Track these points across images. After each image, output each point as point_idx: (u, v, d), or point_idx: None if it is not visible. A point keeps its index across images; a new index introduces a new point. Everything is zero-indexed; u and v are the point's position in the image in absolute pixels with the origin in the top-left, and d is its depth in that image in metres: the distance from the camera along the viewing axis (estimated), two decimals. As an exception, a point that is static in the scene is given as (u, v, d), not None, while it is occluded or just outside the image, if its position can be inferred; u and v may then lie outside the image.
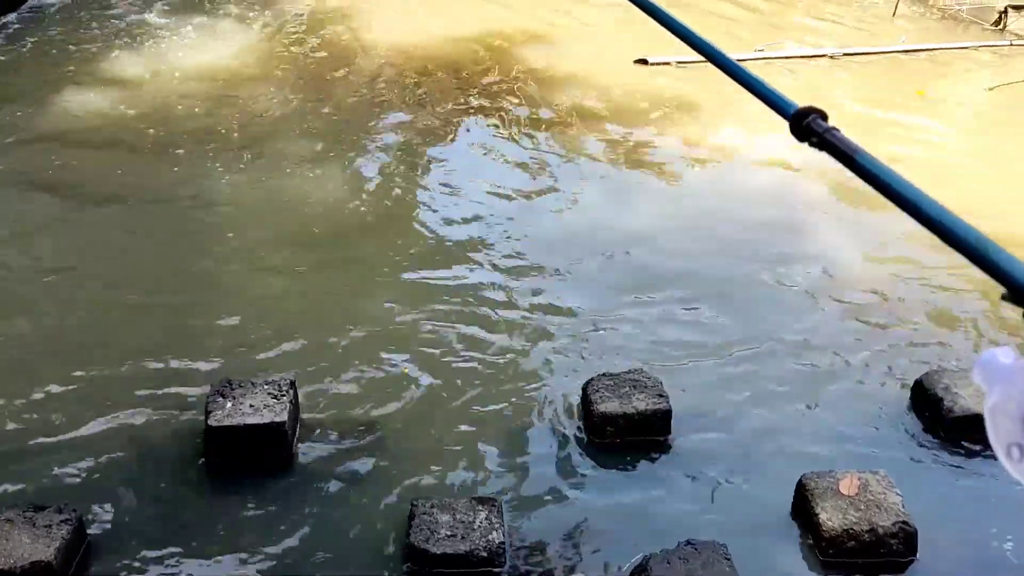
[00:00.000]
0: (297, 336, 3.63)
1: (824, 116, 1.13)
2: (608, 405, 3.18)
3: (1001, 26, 7.59)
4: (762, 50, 6.54)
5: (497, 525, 2.70)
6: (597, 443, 3.15)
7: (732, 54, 1.38)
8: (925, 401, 3.30)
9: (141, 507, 2.85)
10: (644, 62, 6.30)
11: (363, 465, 3.03)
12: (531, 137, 5.46)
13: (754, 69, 1.31)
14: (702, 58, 1.39)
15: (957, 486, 3.00)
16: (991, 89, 6.25)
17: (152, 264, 4.14)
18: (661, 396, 3.22)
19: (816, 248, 4.36)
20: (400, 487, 2.94)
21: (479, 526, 2.69)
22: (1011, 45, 7.15)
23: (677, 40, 1.50)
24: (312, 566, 2.67)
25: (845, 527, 2.70)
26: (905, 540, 2.70)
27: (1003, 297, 1.00)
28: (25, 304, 3.81)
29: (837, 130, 1.11)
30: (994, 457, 2.70)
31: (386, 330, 3.69)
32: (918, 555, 2.70)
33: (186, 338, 3.61)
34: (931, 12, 7.83)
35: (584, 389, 3.31)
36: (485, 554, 2.63)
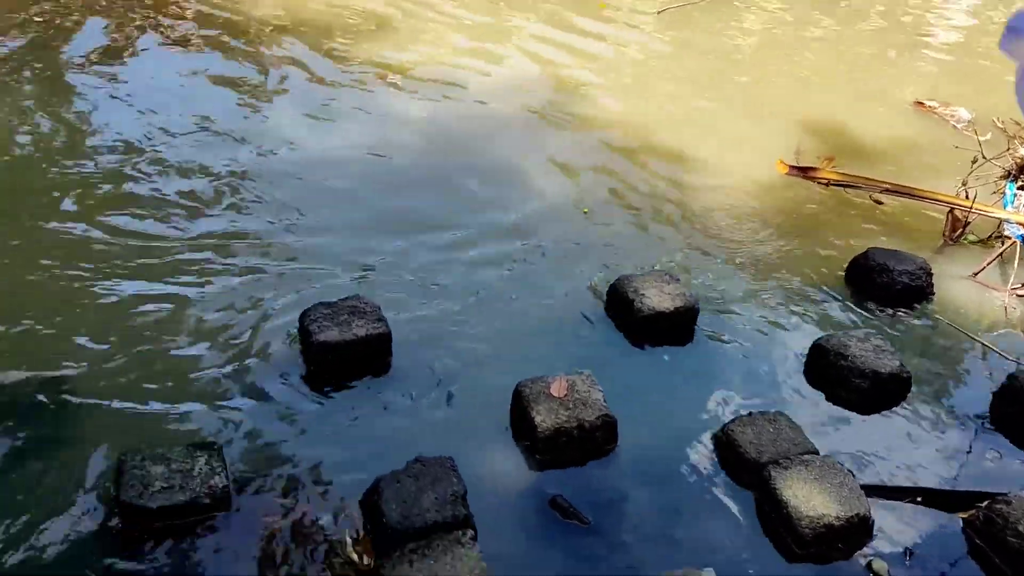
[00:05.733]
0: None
1: None
2: (327, 334, 3.13)
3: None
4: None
5: (219, 469, 2.58)
6: (318, 373, 3.11)
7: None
8: (618, 304, 3.64)
9: None
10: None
11: (51, 427, 2.73)
12: (229, 56, 5.09)
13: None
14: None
15: (646, 377, 3.36)
16: (659, 12, 6.84)
17: None
18: (380, 321, 3.23)
19: (512, 169, 4.56)
20: (100, 445, 2.70)
21: (199, 473, 2.55)
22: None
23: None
24: (17, 546, 2.38)
25: (557, 425, 2.92)
26: (608, 430, 2.99)
27: None
28: None
29: None
30: (675, 345, 3.01)
31: (57, 266, 3.33)
32: (619, 441, 3.01)
33: None
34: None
35: (301, 320, 3.22)
36: (208, 501, 2.51)
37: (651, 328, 3.53)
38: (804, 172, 4.90)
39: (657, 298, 3.58)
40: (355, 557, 2.46)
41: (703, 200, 4.52)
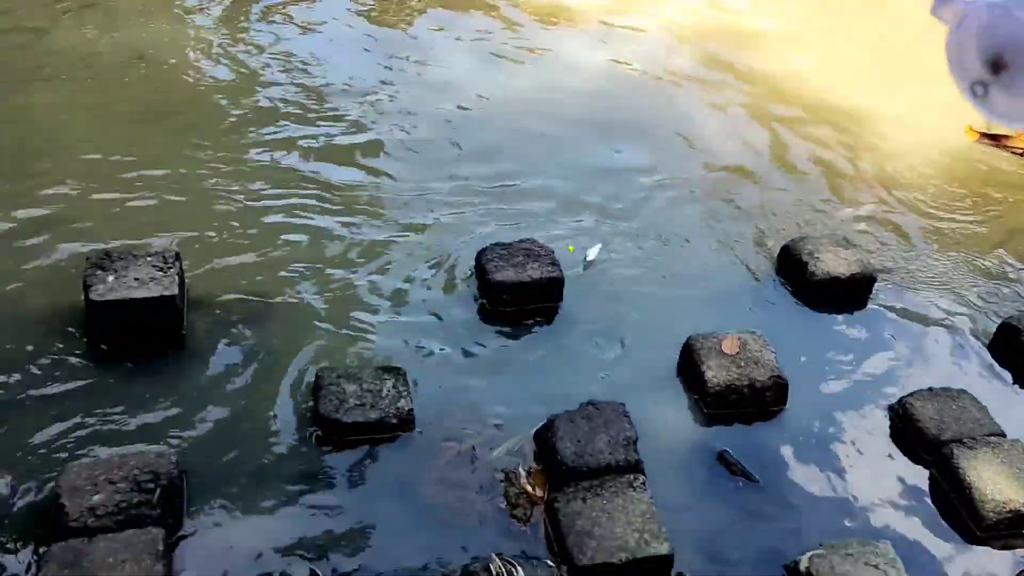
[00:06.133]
0: (165, 205, 3.44)
1: None
2: (504, 274, 3.21)
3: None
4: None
5: (404, 393, 2.72)
6: (492, 311, 3.20)
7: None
8: (791, 265, 3.55)
9: (24, 386, 2.67)
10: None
11: (258, 338, 2.95)
12: None
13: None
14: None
15: (817, 342, 3.29)
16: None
17: None
18: (554, 264, 3.29)
19: (675, 117, 4.49)
20: (299, 359, 2.90)
21: (387, 394, 2.70)
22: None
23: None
24: (220, 437, 2.60)
25: (728, 382, 2.91)
26: (778, 392, 2.96)
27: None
28: None
29: None
30: (848, 313, 2.93)
31: (267, 193, 3.55)
32: (788, 404, 2.98)
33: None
34: None
35: (478, 258, 3.32)
36: (395, 421, 2.66)
37: (824, 293, 3.43)
38: (996, 140, 4.60)
39: (832, 262, 3.48)
40: (529, 488, 2.56)
41: (883, 164, 4.31)
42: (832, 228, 3.82)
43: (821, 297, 3.44)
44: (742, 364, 2.97)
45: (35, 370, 2.72)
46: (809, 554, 2.42)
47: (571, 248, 3.37)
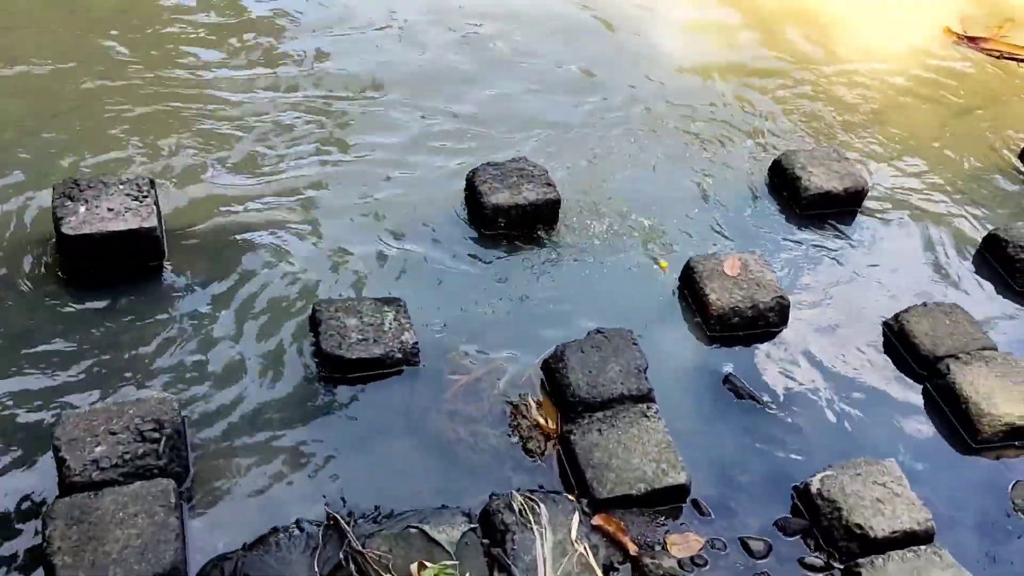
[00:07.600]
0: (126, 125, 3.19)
1: None
2: (499, 196, 3.09)
3: None
4: None
5: (407, 326, 2.63)
6: (488, 235, 3.09)
7: None
8: (782, 181, 3.50)
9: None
10: None
11: (242, 270, 2.80)
12: None
13: None
14: None
15: (814, 258, 3.28)
16: None
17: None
18: (549, 185, 3.17)
19: (675, 43, 4.33)
20: (290, 290, 2.77)
21: (389, 328, 2.60)
22: None
23: None
24: (215, 378, 2.48)
25: (732, 305, 2.89)
26: (780, 312, 2.95)
27: None
28: None
29: None
30: (840, 227, 2.88)
31: (245, 124, 3.33)
32: (787, 324, 2.98)
33: None
34: None
35: (470, 179, 3.18)
36: (400, 355, 2.57)
37: (817, 207, 3.41)
38: (975, 42, 4.55)
39: (825, 177, 3.44)
40: (541, 421, 2.52)
41: (851, 74, 4.23)
42: (819, 139, 3.77)
43: (813, 212, 3.42)
44: (744, 286, 2.94)
45: (11, 308, 2.54)
46: (819, 475, 2.45)
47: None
